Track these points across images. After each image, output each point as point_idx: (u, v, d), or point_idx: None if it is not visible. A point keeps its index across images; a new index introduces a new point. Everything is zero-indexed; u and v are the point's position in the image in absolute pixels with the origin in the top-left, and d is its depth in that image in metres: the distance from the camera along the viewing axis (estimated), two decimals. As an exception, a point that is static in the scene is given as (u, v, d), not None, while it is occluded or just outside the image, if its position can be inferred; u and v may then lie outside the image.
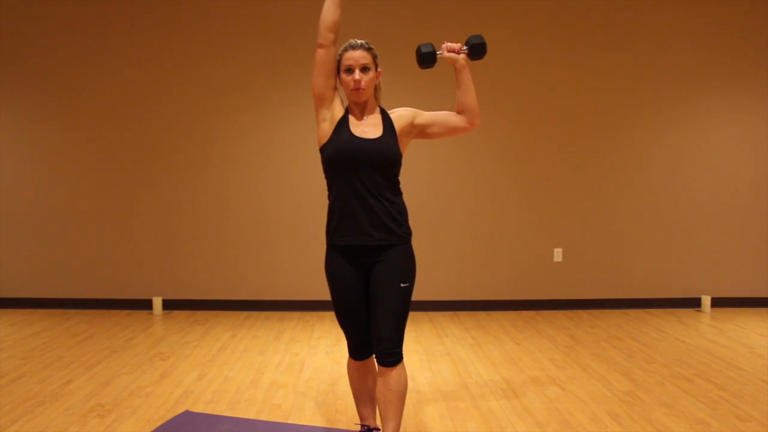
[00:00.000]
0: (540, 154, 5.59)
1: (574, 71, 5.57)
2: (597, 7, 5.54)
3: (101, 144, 5.54)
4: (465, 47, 2.59)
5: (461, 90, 2.58)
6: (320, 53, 2.48)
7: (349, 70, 2.46)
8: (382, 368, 2.48)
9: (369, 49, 2.49)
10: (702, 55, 5.61)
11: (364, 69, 2.46)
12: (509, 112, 5.54)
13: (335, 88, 2.54)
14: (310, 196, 5.50)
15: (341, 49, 2.50)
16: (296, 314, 5.45)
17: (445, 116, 2.61)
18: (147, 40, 5.48)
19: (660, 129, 5.63)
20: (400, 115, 2.57)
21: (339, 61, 2.50)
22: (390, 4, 5.45)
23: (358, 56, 2.46)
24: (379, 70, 2.53)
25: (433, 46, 2.59)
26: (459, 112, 2.60)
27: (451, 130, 2.61)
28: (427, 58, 2.59)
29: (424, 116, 2.60)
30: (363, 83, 2.45)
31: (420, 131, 2.60)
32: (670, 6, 5.56)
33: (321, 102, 2.53)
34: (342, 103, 2.57)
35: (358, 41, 2.49)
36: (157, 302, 5.43)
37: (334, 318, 5.19)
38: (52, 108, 5.53)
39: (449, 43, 2.59)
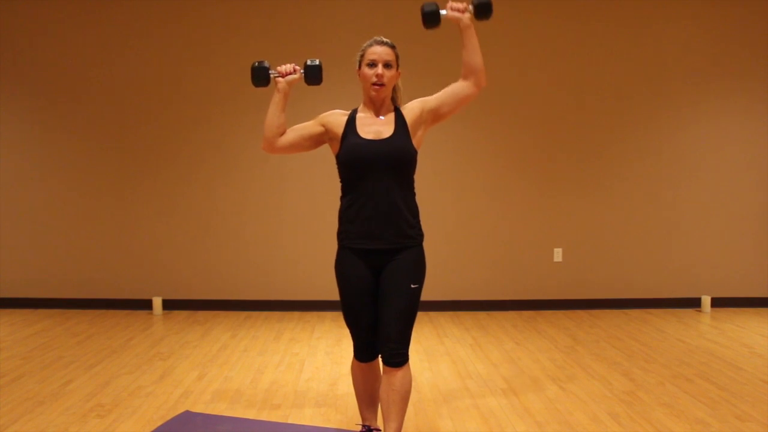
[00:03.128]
0: (540, 154, 5.59)
1: (576, 72, 5.56)
2: (600, 7, 5.55)
3: (100, 144, 5.53)
4: (470, 6, 2.54)
5: (467, 50, 2.51)
6: (279, 147, 2.56)
7: (372, 65, 2.48)
8: (387, 368, 2.48)
9: (393, 48, 2.52)
10: (703, 56, 5.60)
11: (387, 66, 2.49)
12: (509, 112, 5.54)
13: (318, 131, 2.58)
14: (311, 197, 5.50)
15: (366, 44, 2.52)
16: (296, 314, 5.45)
17: (451, 89, 2.57)
18: (148, 39, 5.48)
19: (660, 129, 5.62)
20: (411, 108, 2.58)
21: (362, 55, 2.52)
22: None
23: (382, 52, 2.48)
24: (399, 70, 2.55)
25: (437, 4, 2.54)
26: (464, 76, 2.54)
27: (461, 101, 2.56)
28: (430, 18, 2.54)
29: (432, 100, 2.58)
30: (385, 79, 2.47)
31: (434, 116, 2.57)
32: (674, 7, 5.57)
33: (322, 143, 2.62)
34: (338, 117, 2.57)
35: (384, 39, 2.52)
36: (157, 302, 5.43)
37: (334, 318, 5.23)
38: (52, 109, 5.52)
39: (454, 2, 2.53)
